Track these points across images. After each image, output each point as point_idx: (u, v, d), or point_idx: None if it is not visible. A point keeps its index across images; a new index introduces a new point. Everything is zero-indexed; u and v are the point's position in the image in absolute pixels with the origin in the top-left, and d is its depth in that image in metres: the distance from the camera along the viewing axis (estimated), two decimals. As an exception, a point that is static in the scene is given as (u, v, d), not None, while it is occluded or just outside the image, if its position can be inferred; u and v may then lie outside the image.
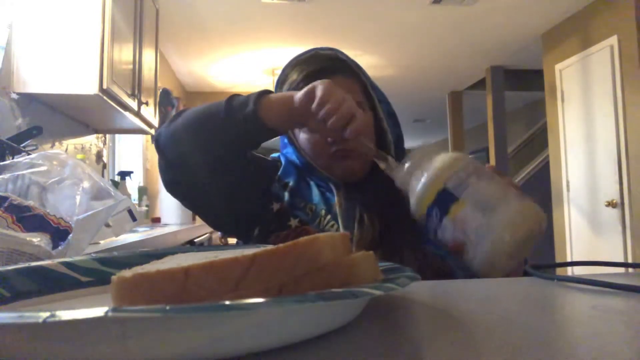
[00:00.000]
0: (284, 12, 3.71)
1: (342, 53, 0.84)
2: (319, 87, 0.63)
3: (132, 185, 3.24)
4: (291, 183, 0.82)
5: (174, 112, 3.70)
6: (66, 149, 2.32)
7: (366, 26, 3.99)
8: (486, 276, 0.53)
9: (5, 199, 0.59)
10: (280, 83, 0.86)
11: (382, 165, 0.61)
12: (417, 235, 0.75)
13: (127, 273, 0.28)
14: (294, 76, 0.83)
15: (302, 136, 0.82)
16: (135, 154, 3.82)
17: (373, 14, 3.77)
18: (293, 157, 0.84)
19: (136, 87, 2.34)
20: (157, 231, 2.27)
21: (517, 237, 0.49)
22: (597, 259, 1.64)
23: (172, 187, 0.75)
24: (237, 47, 4.43)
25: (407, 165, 0.57)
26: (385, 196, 0.78)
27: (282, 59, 4.76)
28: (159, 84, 2.95)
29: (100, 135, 2.80)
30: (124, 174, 2.86)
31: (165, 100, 3.42)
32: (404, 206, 0.68)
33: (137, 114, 2.39)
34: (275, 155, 0.92)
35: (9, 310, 0.29)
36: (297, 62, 0.84)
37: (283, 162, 0.86)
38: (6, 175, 0.66)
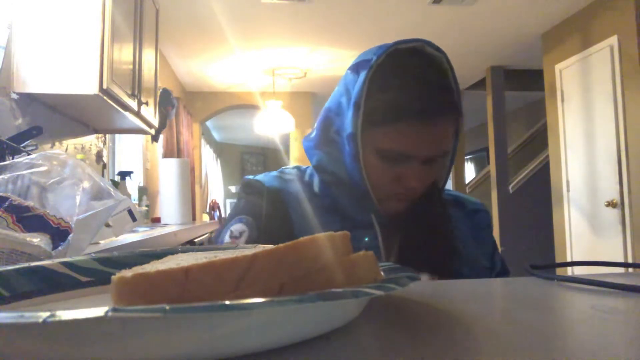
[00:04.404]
0: (284, 12, 3.70)
1: (445, 56, 0.77)
2: None
3: (132, 185, 3.25)
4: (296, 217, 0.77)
5: (174, 112, 3.70)
6: (66, 149, 2.32)
7: (366, 26, 3.99)
8: None
9: (5, 199, 0.59)
10: (373, 76, 0.76)
11: None
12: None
13: (127, 273, 0.28)
14: (392, 86, 0.74)
15: (376, 164, 0.74)
16: (135, 154, 3.82)
17: (373, 14, 3.77)
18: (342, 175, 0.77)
19: (136, 87, 2.34)
20: (157, 231, 2.27)
21: None
22: (597, 259, 1.64)
23: None
24: (237, 47, 4.42)
25: None
26: (423, 231, 0.76)
27: (282, 59, 4.77)
28: (159, 84, 2.95)
29: (100, 135, 2.80)
30: (124, 174, 2.86)
31: (165, 100, 3.42)
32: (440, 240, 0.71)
33: (137, 114, 2.39)
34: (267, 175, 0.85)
35: (9, 310, 0.29)
36: (403, 72, 0.75)
37: (298, 185, 0.81)
38: (6, 175, 0.65)
